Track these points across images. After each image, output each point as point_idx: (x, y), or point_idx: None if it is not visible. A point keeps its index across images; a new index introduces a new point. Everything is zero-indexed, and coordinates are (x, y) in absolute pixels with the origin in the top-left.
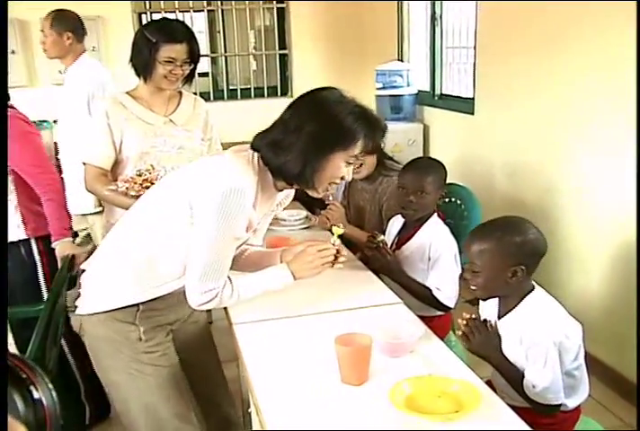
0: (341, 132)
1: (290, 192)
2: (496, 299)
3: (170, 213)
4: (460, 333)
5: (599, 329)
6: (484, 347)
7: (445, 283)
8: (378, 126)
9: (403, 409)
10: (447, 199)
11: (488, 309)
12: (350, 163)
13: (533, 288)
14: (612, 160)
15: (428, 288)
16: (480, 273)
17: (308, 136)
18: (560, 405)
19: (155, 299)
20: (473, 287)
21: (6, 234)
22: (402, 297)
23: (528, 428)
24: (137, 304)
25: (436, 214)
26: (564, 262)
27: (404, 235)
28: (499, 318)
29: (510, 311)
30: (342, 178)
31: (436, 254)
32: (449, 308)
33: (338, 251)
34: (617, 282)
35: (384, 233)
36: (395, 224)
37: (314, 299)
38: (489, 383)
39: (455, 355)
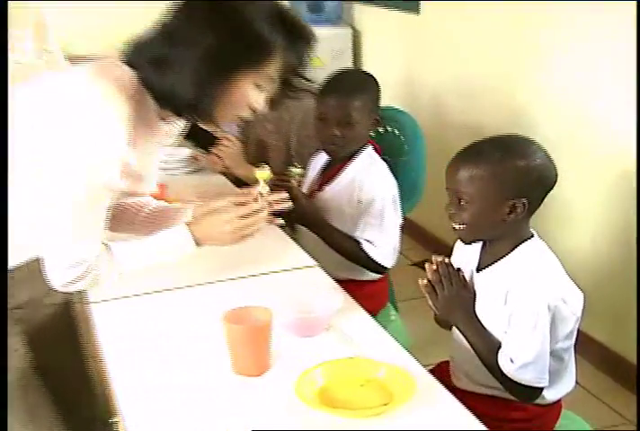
0: (250, 44)
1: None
2: (476, 247)
3: (11, 155)
4: (425, 282)
5: (592, 301)
6: (453, 304)
7: (380, 235)
8: (303, 34)
9: (313, 404)
10: (381, 129)
11: (463, 259)
12: (262, 87)
13: (531, 236)
14: (608, 75)
15: (357, 241)
16: (468, 206)
17: (205, 50)
18: (542, 389)
19: None
20: (457, 226)
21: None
22: (318, 257)
23: (479, 424)
24: None
25: (370, 146)
26: (548, 217)
27: (328, 173)
28: (478, 270)
29: (496, 261)
30: (252, 108)
31: (368, 196)
32: (385, 269)
33: (270, 205)
34: (615, 241)
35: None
36: (318, 162)
37: (199, 265)
38: (440, 370)
39: (387, 333)
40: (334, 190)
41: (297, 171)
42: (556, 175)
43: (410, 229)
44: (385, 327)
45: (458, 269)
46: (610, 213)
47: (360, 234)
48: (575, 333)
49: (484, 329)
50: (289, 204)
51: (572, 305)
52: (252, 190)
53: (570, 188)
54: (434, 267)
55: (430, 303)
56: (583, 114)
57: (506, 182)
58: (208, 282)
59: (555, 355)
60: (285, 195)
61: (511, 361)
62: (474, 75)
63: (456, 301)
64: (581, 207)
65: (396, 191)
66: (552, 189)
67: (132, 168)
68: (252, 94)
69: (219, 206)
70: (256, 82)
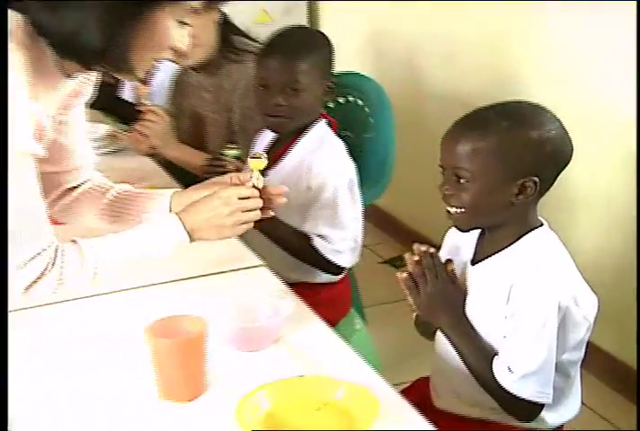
0: None
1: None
2: (471, 237)
3: None
4: (405, 275)
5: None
6: (438, 302)
7: (333, 228)
8: None
9: None
10: (341, 98)
11: (455, 250)
12: (184, 24)
13: (540, 225)
14: (611, 36)
15: (307, 237)
16: (469, 185)
17: None
18: (542, 406)
19: None
20: (453, 209)
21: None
22: (265, 256)
23: None
24: None
25: (324, 120)
26: (545, 202)
27: (274, 154)
28: (474, 263)
29: (497, 252)
30: (175, 49)
31: (318, 181)
32: (342, 269)
33: (262, 196)
34: (621, 236)
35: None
36: (263, 141)
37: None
38: (417, 388)
39: (349, 345)
40: (280, 175)
41: (232, 152)
42: (572, 150)
43: (378, 219)
44: (347, 338)
45: (447, 261)
46: (614, 199)
47: (310, 228)
48: (585, 345)
49: (476, 333)
50: (285, 200)
51: (584, 309)
52: (241, 177)
53: (576, 175)
54: (416, 257)
55: (410, 301)
56: (584, 78)
57: (516, 157)
58: (131, 287)
59: (561, 369)
60: (285, 189)
61: (510, 370)
62: (454, 33)
63: (442, 299)
64: (589, 199)
65: (354, 175)
66: (566, 165)
67: (42, 127)
68: (174, 32)
69: (210, 193)
70: (178, 16)
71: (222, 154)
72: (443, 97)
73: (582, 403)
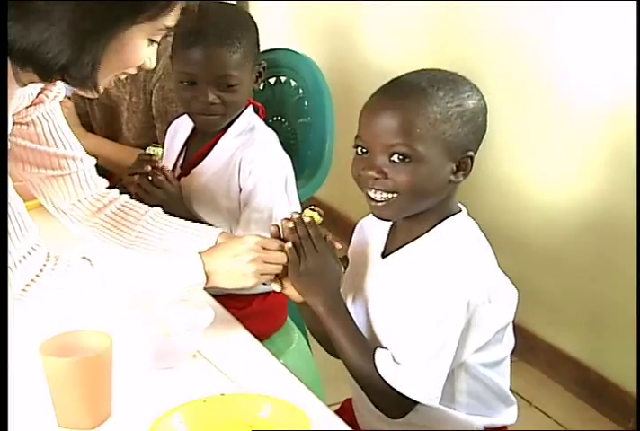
0: None
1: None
2: (383, 227)
3: None
4: (290, 246)
5: (561, 302)
6: (317, 277)
7: (268, 232)
8: None
9: None
10: (272, 79)
11: (366, 244)
12: (155, 42)
13: (459, 211)
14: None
15: None
16: (409, 165)
17: None
18: (415, 403)
19: None
20: (384, 195)
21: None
22: None
23: None
24: None
25: (250, 108)
26: (494, 187)
27: (196, 149)
28: (384, 256)
29: (409, 242)
30: (144, 67)
31: (251, 180)
32: None
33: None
34: (589, 227)
35: (162, 145)
36: (181, 129)
37: None
38: (346, 409)
39: (284, 360)
40: (205, 175)
41: (157, 151)
42: (485, 113)
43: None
44: (283, 352)
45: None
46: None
47: (241, 230)
48: (511, 345)
49: (353, 320)
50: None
51: (498, 306)
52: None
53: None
54: (290, 224)
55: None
56: (584, 79)
57: (455, 130)
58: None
59: (472, 372)
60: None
61: (394, 360)
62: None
63: (320, 274)
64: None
65: (290, 170)
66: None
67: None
68: (144, 52)
69: (242, 239)
70: (151, 35)
71: (151, 152)
72: (381, 73)
73: (548, 416)
